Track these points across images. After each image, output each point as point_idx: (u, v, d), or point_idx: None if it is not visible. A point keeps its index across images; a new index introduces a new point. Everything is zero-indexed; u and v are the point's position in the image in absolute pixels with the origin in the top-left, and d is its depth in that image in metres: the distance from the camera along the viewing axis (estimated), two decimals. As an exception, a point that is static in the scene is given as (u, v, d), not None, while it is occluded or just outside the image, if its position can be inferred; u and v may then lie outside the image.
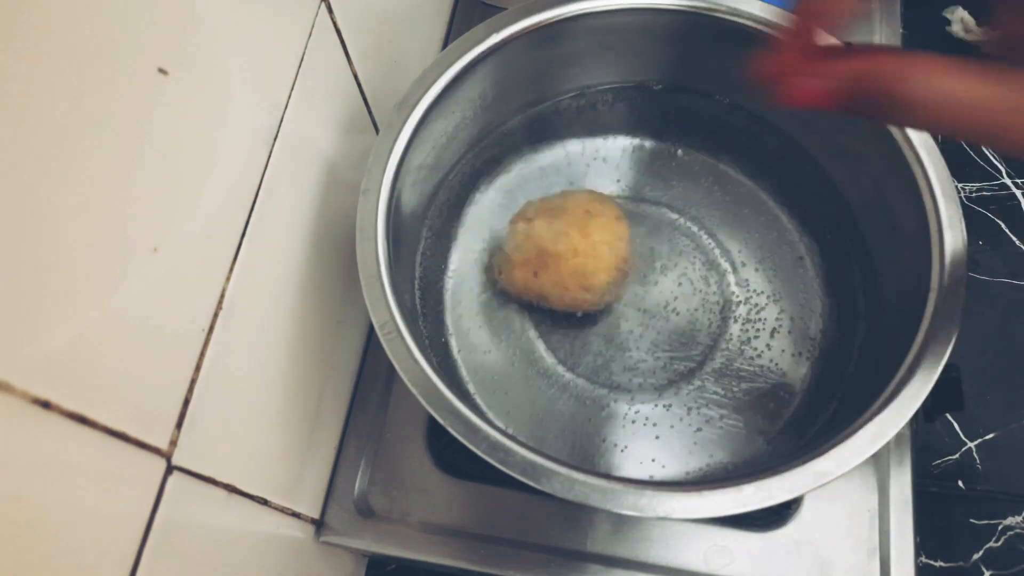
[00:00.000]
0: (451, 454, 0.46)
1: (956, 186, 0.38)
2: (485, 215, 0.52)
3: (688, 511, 0.33)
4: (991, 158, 0.62)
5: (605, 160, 0.54)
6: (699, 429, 0.46)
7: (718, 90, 0.50)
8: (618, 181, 0.53)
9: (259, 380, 0.36)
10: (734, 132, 0.51)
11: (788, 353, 0.48)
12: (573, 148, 0.54)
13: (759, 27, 0.42)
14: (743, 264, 0.50)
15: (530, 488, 0.33)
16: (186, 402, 0.29)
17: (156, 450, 0.27)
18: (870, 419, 0.34)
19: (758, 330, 0.48)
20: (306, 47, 0.36)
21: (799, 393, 0.47)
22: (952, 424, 0.54)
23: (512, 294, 0.48)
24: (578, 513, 0.44)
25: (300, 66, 0.36)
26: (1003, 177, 0.61)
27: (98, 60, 0.22)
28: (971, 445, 0.54)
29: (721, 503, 0.33)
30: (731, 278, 0.50)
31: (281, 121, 0.34)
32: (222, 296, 0.31)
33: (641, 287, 0.50)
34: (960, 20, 0.65)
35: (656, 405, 0.47)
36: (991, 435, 0.54)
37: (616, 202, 0.53)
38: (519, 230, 0.47)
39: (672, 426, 0.46)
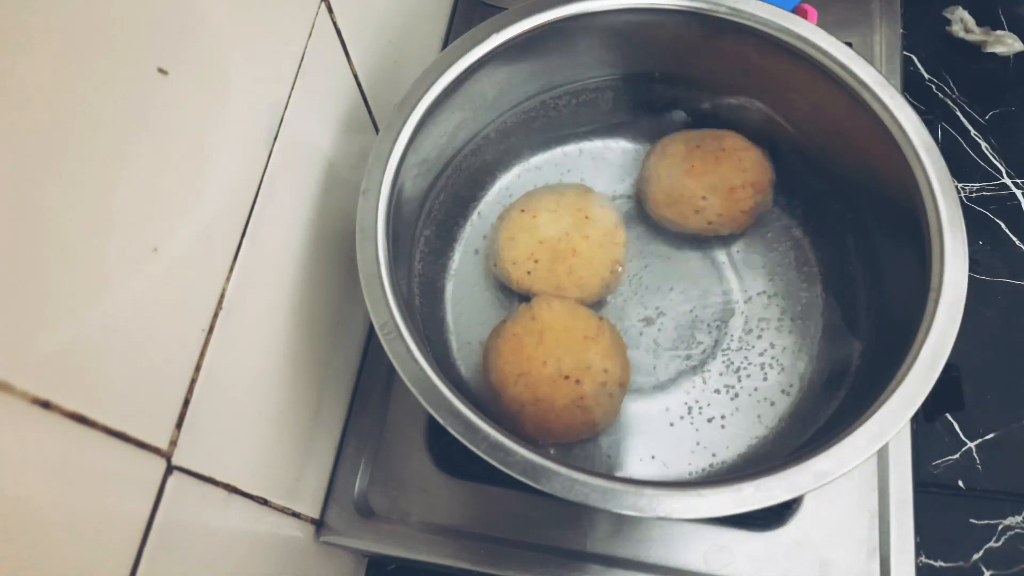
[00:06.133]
0: (451, 454, 0.46)
1: (956, 186, 0.38)
2: (485, 215, 0.52)
3: (688, 511, 0.33)
4: (991, 158, 0.62)
5: (605, 160, 0.54)
6: (700, 428, 0.46)
7: (719, 90, 0.50)
8: (622, 180, 0.53)
9: (259, 380, 0.36)
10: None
11: (789, 352, 0.48)
12: (572, 148, 0.54)
13: (759, 27, 0.42)
14: (744, 263, 0.50)
15: (530, 488, 0.33)
16: (186, 402, 0.29)
17: (156, 450, 0.27)
18: (870, 419, 0.34)
19: (760, 329, 0.48)
20: (306, 47, 0.36)
21: (800, 392, 0.47)
22: (952, 424, 0.54)
23: (505, 284, 0.48)
24: (578, 513, 0.44)
25: (300, 66, 0.35)
26: (1003, 177, 0.61)
27: (98, 60, 0.22)
28: (971, 445, 0.54)
29: (721, 503, 0.33)
30: (732, 277, 0.50)
31: (281, 121, 0.34)
32: (222, 296, 0.31)
33: (643, 287, 0.50)
34: (960, 20, 0.65)
35: (657, 404, 0.47)
36: (991, 435, 0.54)
37: (616, 202, 0.53)
38: (514, 221, 0.47)
39: (673, 424, 0.46)
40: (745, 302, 0.49)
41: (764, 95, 0.48)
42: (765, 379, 0.47)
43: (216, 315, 0.30)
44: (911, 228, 0.39)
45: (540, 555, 0.43)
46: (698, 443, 0.46)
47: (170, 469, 0.28)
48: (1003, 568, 0.51)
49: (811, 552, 0.43)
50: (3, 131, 0.19)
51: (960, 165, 0.61)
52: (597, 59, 0.48)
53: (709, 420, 0.46)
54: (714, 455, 0.46)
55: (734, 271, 0.50)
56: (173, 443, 0.28)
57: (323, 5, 0.37)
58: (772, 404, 0.46)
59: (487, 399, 0.45)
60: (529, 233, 0.47)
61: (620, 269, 0.48)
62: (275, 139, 0.34)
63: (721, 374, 0.47)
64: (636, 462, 0.46)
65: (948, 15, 0.66)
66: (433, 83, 0.42)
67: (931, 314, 0.36)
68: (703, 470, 0.45)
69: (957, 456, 0.54)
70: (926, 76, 0.65)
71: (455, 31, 0.58)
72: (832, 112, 0.43)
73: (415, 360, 0.36)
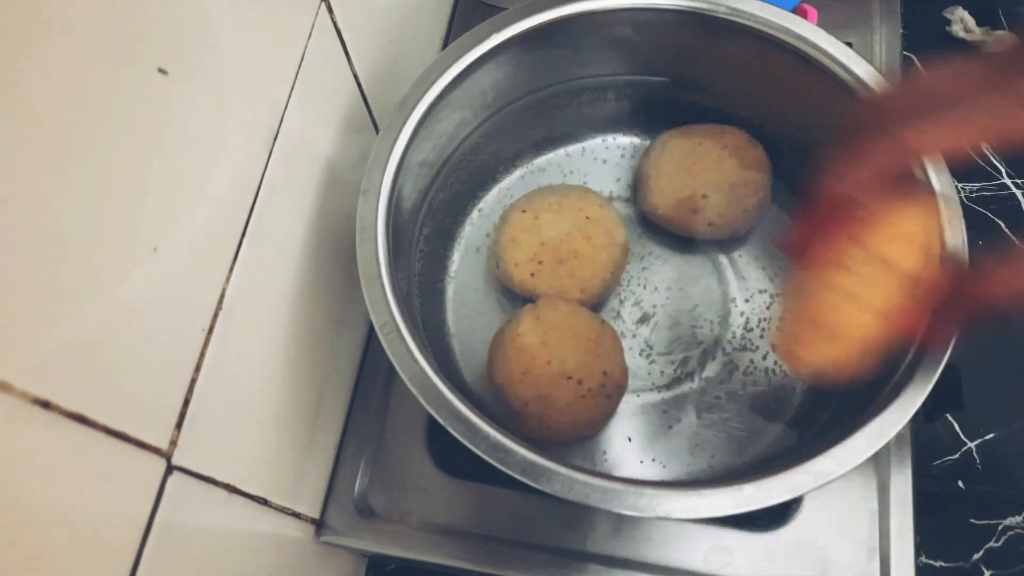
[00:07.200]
0: (451, 454, 0.46)
1: (956, 186, 0.38)
2: (486, 215, 0.52)
3: (688, 511, 0.33)
4: (991, 158, 0.62)
5: (606, 160, 0.54)
6: (699, 430, 0.46)
7: (719, 90, 0.50)
8: (618, 180, 0.53)
9: (259, 380, 0.36)
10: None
11: (788, 353, 0.48)
12: (574, 147, 0.54)
13: (759, 27, 0.42)
14: (745, 264, 0.50)
15: (530, 488, 0.33)
16: (186, 402, 0.29)
17: (156, 450, 0.27)
18: (870, 419, 0.34)
19: (761, 329, 0.48)
20: (306, 47, 0.36)
21: (800, 392, 0.47)
22: (952, 424, 0.54)
23: (507, 286, 0.48)
24: (578, 513, 0.44)
25: (300, 66, 0.36)
26: (1003, 177, 0.61)
27: (98, 60, 0.22)
28: (971, 445, 0.54)
29: (721, 503, 0.33)
30: (732, 278, 0.50)
31: (281, 121, 0.34)
32: (222, 296, 0.31)
33: (643, 288, 0.50)
34: (960, 20, 0.65)
35: (657, 406, 0.47)
36: (991, 435, 0.54)
37: (616, 202, 0.53)
38: (517, 222, 0.47)
39: (671, 427, 0.46)
40: (745, 301, 0.49)
41: (764, 95, 0.48)
42: (765, 379, 0.47)
43: (216, 315, 0.30)
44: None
45: (540, 555, 0.43)
46: (696, 445, 0.46)
47: (170, 469, 0.28)
48: (1003, 568, 0.51)
49: (811, 552, 0.43)
50: (3, 131, 0.19)
51: (960, 165, 0.61)
52: (597, 59, 0.48)
53: (708, 421, 0.46)
54: (712, 456, 0.46)
55: (734, 271, 0.50)
56: (173, 443, 0.28)
57: (323, 5, 0.37)
58: (771, 405, 0.46)
59: (488, 399, 0.45)
60: (531, 234, 0.47)
61: (621, 270, 0.48)
62: (275, 139, 0.34)
63: (720, 375, 0.47)
64: (636, 464, 0.46)
65: (948, 15, 0.66)
66: (433, 83, 0.42)
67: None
68: (701, 471, 0.45)
69: (957, 456, 0.54)
70: (926, 76, 0.65)
71: (455, 31, 0.58)
72: (832, 112, 0.43)
73: (415, 360, 0.36)
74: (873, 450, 0.33)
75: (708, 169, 0.47)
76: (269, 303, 0.36)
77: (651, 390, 0.47)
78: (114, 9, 0.23)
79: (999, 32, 0.65)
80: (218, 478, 0.32)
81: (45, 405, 0.21)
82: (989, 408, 0.54)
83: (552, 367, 0.42)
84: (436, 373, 0.36)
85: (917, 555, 0.43)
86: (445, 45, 0.58)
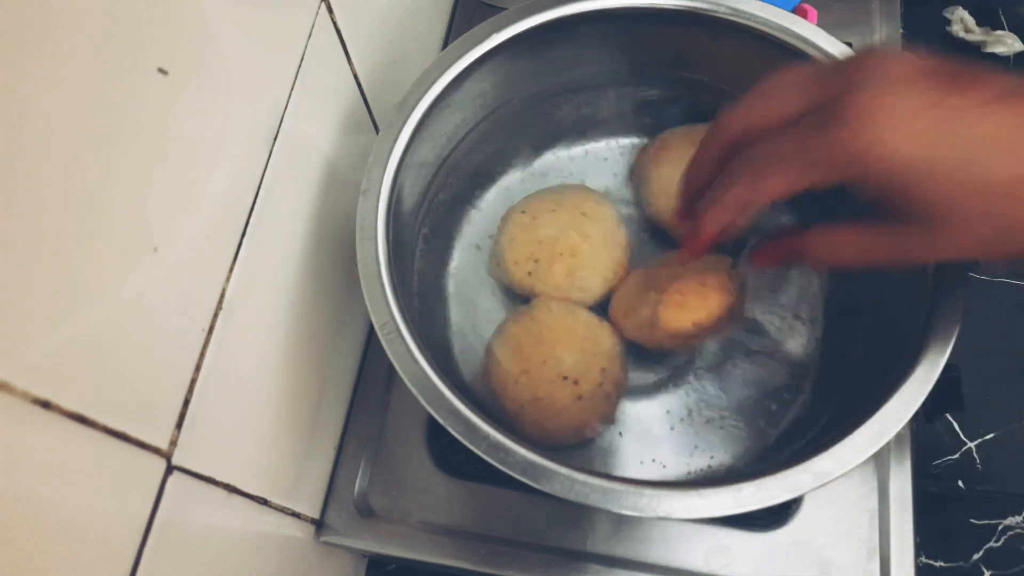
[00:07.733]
0: (451, 454, 0.46)
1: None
2: (486, 214, 0.52)
3: (688, 511, 0.33)
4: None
5: (606, 159, 0.54)
6: (699, 430, 0.46)
7: (719, 90, 0.50)
8: (618, 180, 0.53)
9: (259, 380, 0.36)
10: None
11: (789, 353, 0.48)
12: (574, 147, 0.54)
13: (759, 27, 0.42)
14: (746, 264, 0.50)
15: (530, 488, 0.33)
16: (186, 402, 0.29)
17: (156, 450, 0.27)
18: (870, 419, 0.34)
19: (762, 329, 0.48)
20: (306, 47, 0.36)
21: (800, 393, 0.47)
22: (952, 424, 0.54)
23: (507, 285, 0.48)
24: (578, 513, 0.44)
25: (300, 66, 0.36)
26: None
27: (98, 60, 0.22)
28: (971, 445, 0.54)
29: (721, 503, 0.33)
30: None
31: (281, 121, 0.34)
32: (222, 296, 0.31)
33: (641, 287, 0.50)
34: (960, 20, 0.65)
35: (658, 406, 0.47)
36: (991, 435, 0.54)
37: (616, 201, 0.53)
38: (516, 223, 0.47)
39: (672, 427, 0.46)
40: (747, 302, 0.49)
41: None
42: (764, 381, 0.47)
43: (216, 315, 0.30)
44: (911, 228, 0.39)
45: (540, 555, 0.43)
46: (696, 446, 0.46)
47: (170, 469, 0.28)
48: (1003, 568, 0.51)
49: (811, 552, 0.43)
50: (2, 131, 0.19)
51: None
52: (597, 59, 0.48)
53: (708, 421, 0.46)
54: (712, 456, 0.45)
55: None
56: (173, 443, 0.28)
57: (323, 5, 0.37)
58: (771, 406, 0.46)
59: (488, 400, 0.45)
60: (529, 234, 0.47)
61: (622, 269, 0.48)
62: (275, 139, 0.34)
63: (720, 376, 0.47)
64: (636, 464, 0.46)
65: (948, 15, 0.66)
66: (433, 83, 0.42)
67: (931, 314, 0.36)
68: (701, 471, 0.45)
69: (957, 456, 0.54)
70: (926, 76, 0.65)
71: (455, 31, 0.58)
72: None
73: (415, 360, 0.36)
74: (873, 450, 0.33)
75: None
76: (269, 303, 0.36)
77: (653, 390, 0.47)
78: (114, 9, 0.23)
79: (999, 32, 0.65)
80: (218, 478, 0.32)
81: (45, 405, 0.21)
82: (989, 408, 0.54)
83: (548, 368, 0.42)
84: (436, 373, 0.36)
85: (917, 555, 0.43)
86: (445, 45, 0.58)
